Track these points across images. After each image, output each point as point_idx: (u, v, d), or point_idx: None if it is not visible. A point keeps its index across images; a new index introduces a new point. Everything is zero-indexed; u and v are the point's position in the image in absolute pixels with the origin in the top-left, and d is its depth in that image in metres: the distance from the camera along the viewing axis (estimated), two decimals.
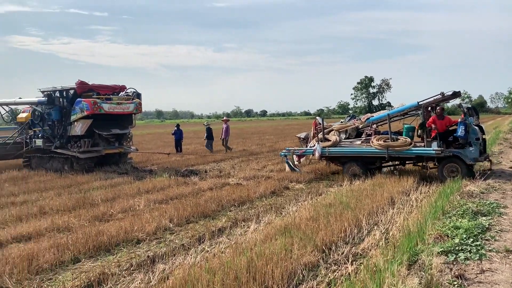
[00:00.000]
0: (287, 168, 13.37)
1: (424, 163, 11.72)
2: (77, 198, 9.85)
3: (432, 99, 11.50)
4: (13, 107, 18.15)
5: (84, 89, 14.70)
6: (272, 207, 8.76)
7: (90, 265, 5.76)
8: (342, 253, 5.78)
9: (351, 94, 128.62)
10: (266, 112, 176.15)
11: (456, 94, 11.32)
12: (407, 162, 12.36)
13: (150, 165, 16.74)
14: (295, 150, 13.55)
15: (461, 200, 8.37)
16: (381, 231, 6.68)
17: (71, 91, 15.04)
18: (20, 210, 8.84)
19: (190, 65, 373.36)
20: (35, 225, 7.50)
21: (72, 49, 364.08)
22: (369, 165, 12.17)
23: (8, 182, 12.90)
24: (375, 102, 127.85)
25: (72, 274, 5.44)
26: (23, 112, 17.34)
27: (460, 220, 6.81)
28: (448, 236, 6.05)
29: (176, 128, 21.18)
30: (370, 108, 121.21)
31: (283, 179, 11.70)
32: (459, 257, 5.31)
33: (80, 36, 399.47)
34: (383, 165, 12.53)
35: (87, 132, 14.52)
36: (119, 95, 15.65)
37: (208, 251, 6.10)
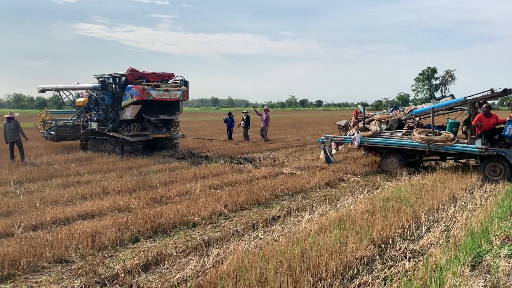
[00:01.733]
0: (322, 155, 13.30)
1: (466, 160, 11.38)
2: (137, 180, 10.24)
3: (480, 95, 11.09)
4: (73, 91, 19.20)
5: (134, 76, 15.30)
6: (326, 199, 8.64)
7: (148, 245, 5.97)
8: (399, 249, 5.59)
9: (412, 85, 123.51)
10: (322, 102, 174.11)
11: (506, 91, 10.83)
12: (448, 157, 11.96)
13: (206, 151, 17.07)
14: (333, 137, 13.43)
15: None
16: (441, 229, 6.41)
17: (123, 78, 15.68)
18: (85, 189, 9.32)
19: (246, 53, 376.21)
20: (98, 204, 7.89)
21: (134, 36, 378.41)
22: (408, 158, 11.93)
23: (74, 162, 13.67)
24: (438, 95, 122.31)
25: (132, 253, 5.66)
26: (81, 96, 18.34)
27: None
28: None
29: (227, 116, 21.51)
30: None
31: (338, 171, 11.50)
32: None
33: (142, 24, 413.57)
34: (423, 159, 12.24)
35: (137, 117, 15.20)
36: (168, 82, 16.19)
37: (261, 238, 6.13)
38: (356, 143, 12.31)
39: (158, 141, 16.33)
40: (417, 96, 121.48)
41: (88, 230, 6.20)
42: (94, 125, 16.46)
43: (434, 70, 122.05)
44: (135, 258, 5.40)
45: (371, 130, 12.31)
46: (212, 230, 6.66)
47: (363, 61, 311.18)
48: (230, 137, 21.26)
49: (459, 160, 11.81)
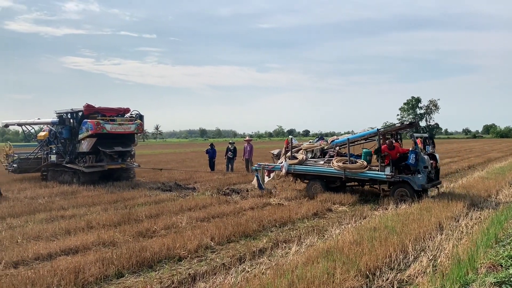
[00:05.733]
0: (254, 181, 14.22)
1: (378, 186, 12.43)
2: (122, 213, 10.10)
3: (390, 127, 12.63)
4: (35, 126, 20.27)
5: (90, 111, 16.43)
6: (314, 229, 8.60)
7: (133, 280, 5.85)
8: (387, 279, 5.57)
9: (397, 114, 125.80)
10: (309, 131, 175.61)
11: (412, 124, 12.53)
12: (365, 183, 12.93)
13: (193, 182, 16.98)
14: (265, 165, 14.35)
15: None
16: (428, 258, 6.41)
17: (80, 113, 16.69)
18: (69, 223, 9.16)
19: (234, 85, 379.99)
20: (82, 239, 7.74)
21: (122, 69, 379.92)
22: (330, 184, 13.03)
23: (59, 196, 13.46)
24: (423, 124, 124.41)
25: None
26: (43, 131, 19.36)
27: None
28: (502, 266, 5.71)
29: (209, 147, 21.49)
30: (417, 130, 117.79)
31: (325, 201, 11.51)
32: None
33: (130, 57, 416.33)
34: (347, 184, 13.26)
35: (93, 149, 16.19)
36: (124, 116, 17.21)
37: (248, 271, 6.05)
38: (284, 171, 13.37)
39: (114, 171, 17.16)
40: None
41: (71, 266, 6.05)
42: (53, 157, 17.37)
43: (418, 100, 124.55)
44: None
45: (297, 159, 13.28)
46: (198, 263, 6.56)
47: (348, 92, 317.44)
48: (212, 168, 21.12)
49: (374, 186, 12.82)
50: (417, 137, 11.95)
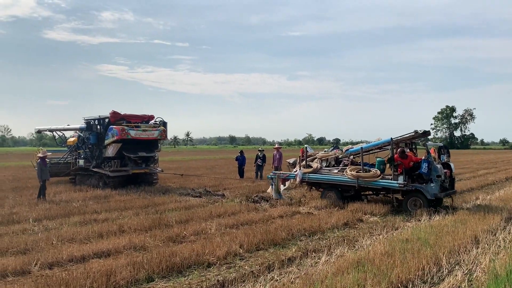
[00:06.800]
0: (270, 189, 14.38)
1: (392, 195, 12.41)
2: (153, 218, 10.25)
3: (404, 136, 12.32)
4: (65, 132, 21.16)
5: (116, 118, 17.09)
6: (344, 239, 8.47)
7: (162, 285, 5.91)
8: None
9: (431, 124, 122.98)
10: (339, 140, 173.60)
11: (426, 133, 12.21)
12: (380, 192, 12.93)
13: (222, 189, 17.06)
14: (280, 174, 14.43)
15: None
16: (463, 272, 6.20)
17: (106, 119, 17.32)
18: (102, 227, 9.36)
19: (264, 92, 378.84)
20: (114, 242, 7.89)
21: (155, 77, 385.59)
22: (344, 193, 12.91)
23: (92, 200, 13.81)
24: (457, 133, 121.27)
25: None
26: (73, 136, 20.16)
27: None
28: None
29: (239, 154, 21.56)
30: (452, 139, 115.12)
31: (356, 211, 11.34)
32: None
33: (163, 65, 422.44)
34: (362, 193, 13.21)
35: (118, 154, 16.81)
36: (149, 123, 17.80)
37: (277, 280, 6.00)
38: (298, 179, 13.36)
39: (138, 176, 17.62)
40: (436, 134, 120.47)
41: (103, 268, 6.17)
42: (81, 162, 18.15)
43: (453, 109, 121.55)
44: None
45: (312, 167, 13.29)
46: (227, 270, 6.57)
47: (380, 100, 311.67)
48: (241, 175, 21.16)
49: (388, 195, 12.73)
50: (430, 146, 11.93)
